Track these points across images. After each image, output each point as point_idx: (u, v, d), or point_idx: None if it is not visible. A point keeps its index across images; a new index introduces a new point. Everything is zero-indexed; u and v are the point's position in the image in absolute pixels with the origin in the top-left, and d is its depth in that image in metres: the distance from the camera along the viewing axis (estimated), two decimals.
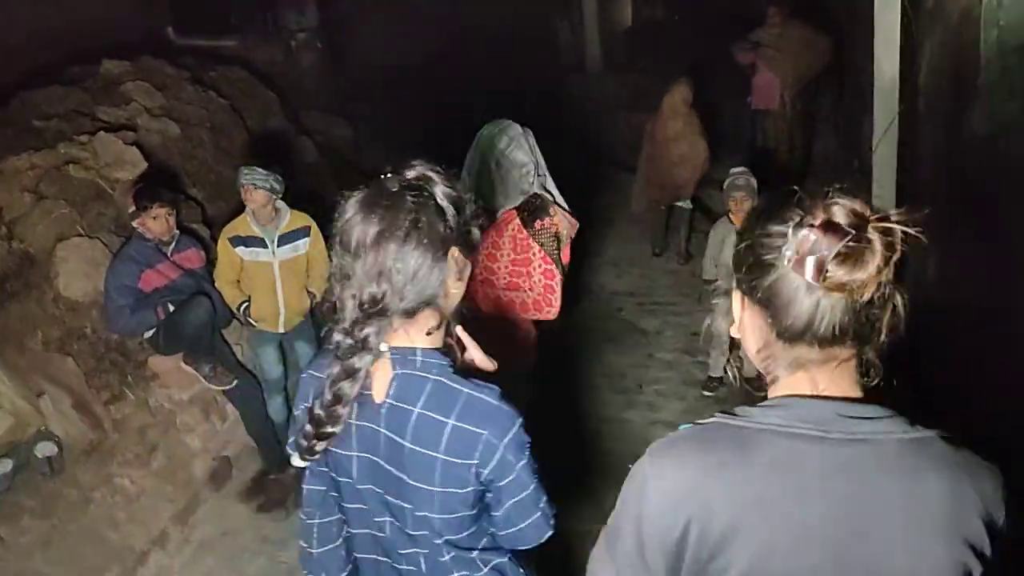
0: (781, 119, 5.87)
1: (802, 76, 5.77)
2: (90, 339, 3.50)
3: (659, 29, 9.88)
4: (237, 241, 3.47)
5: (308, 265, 3.62)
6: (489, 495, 1.30)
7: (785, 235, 0.91)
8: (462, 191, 1.28)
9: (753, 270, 0.95)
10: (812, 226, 0.88)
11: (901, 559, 0.88)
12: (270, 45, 7.12)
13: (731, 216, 3.78)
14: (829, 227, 0.87)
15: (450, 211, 1.24)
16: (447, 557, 1.33)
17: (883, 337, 0.93)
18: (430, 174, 1.26)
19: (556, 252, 2.80)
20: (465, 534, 1.33)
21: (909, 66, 3.54)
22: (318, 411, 1.28)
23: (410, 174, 1.26)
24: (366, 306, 1.21)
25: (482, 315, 2.80)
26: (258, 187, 3.34)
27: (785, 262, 0.90)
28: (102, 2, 5.66)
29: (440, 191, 1.24)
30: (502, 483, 1.27)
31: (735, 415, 0.99)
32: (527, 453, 1.28)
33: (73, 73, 4.89)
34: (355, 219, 1.22)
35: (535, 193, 2.75)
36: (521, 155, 2.70)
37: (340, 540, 1.48)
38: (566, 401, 3.91)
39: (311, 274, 3.65)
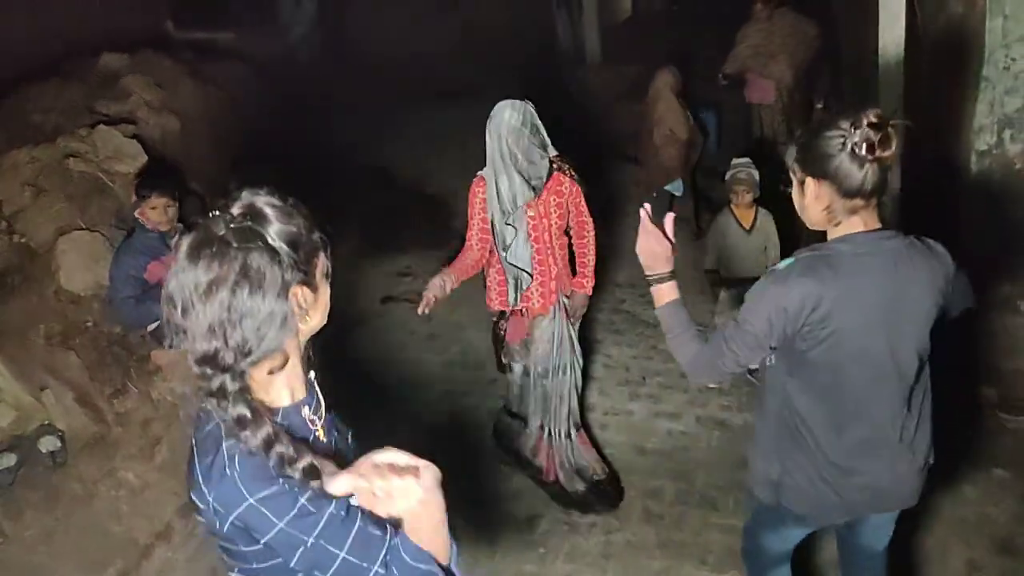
0: (778, 111, 5.83)
1: (797, 69, 5.72)
2: (92, 333, 3.50)
3: (658, 18, 9.84)
4: None
5: None
6: None
7: (844, 136, 1.58)
8: (300, 223, 1.19)
9: (819, 160, 1.62)
10: (864, 125, 1.55)
11: (915, 308, 1.70)
12: (269, 38, 7.10)
13: (732, 207, 3.76)
14: (872, 125, 1.55)
15: (284, 250, 1.16)
16: None
17: (887, 188, 1.65)
18: (262, 208, 1.17)
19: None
20: None
21: (913, 53, 3.52)
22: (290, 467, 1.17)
23: (235, 210, 1.16)
24: (202, 363, 1.14)
25: None
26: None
27: (850, 147, 1.56)
28: None
29: (272, 229, 1.16)
30: None
31: (820, 249, 1.69)
32: None
33: (72, 67, 4.87)
34: (181, 268, 1.14)
35: (552, 156, 2.90)
36: (540, 133, 2.85)
37: None
38: None
39: None
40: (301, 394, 1.30)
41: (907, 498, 1.90)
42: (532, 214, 2.90)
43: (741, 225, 3.67)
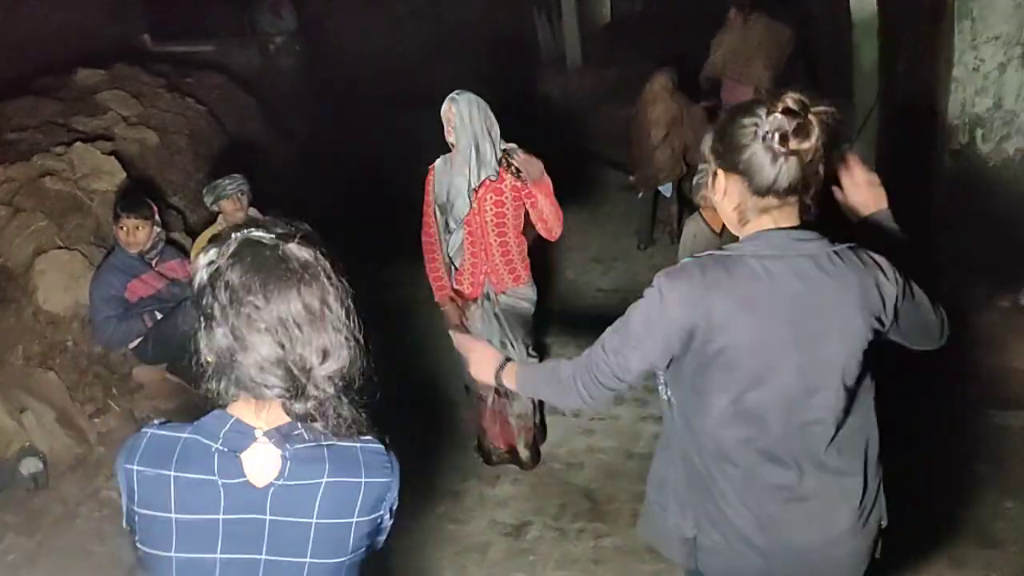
0: None
1: (773, 72, 5.77)
2: (72, 352, 3.47)
3: (638, 23, 9.90)
4: None
5: None
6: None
7: (756, 123, 1.32)
8: (316, 242, 1.18)
9: (733, 151, 1.36)
10: (779, 111, 1.29)
11: (835, 327, 1.39)
12: (247, 49, 7.07)
13: (702, 211, 3.77)
14: (788, 111, 1.29)
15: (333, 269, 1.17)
16: None
17: (816, 187, 1.38)
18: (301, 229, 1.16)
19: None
20: None
21: (886, 55, 3.57)
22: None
23: (277, 228, 1.15)
24: (340, 384, 1.15)
25: None
26: (244, 193, 3.51)
27: (760, 139, 1.31)
28: (75, 10, 5.60)
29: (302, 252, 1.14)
30: None
31: (722, 249, 1.42)
32: None
33: (47, 83, 4.83)
34: (234, 267, 1.08)
35: (503, 151, 3.01)
36: (495, 124, 2.98)
37: None
38: None
39: None
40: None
41: (847, 566, 1.57)
42: (468, 208, 3.02)
43: (711, 229, 3.68)
